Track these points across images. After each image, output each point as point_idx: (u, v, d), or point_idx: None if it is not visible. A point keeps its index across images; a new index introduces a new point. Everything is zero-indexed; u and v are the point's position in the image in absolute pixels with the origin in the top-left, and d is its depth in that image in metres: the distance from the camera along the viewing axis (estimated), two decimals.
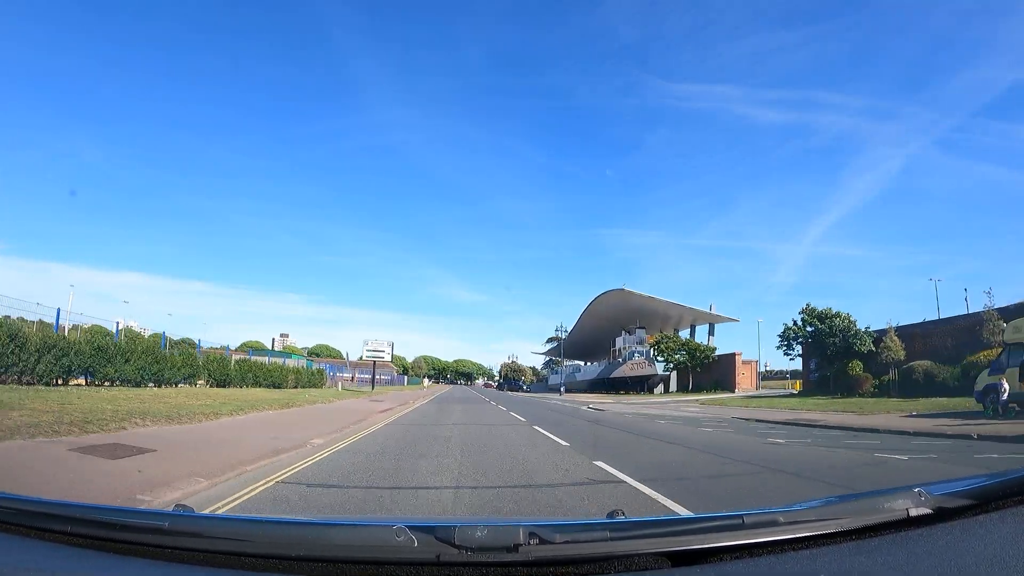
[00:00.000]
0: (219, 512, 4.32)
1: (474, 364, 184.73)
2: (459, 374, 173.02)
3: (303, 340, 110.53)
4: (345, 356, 68.43)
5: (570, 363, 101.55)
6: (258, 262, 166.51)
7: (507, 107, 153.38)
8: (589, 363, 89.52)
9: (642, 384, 62.18)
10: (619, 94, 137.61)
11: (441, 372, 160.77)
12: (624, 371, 63.24)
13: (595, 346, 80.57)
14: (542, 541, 1.12)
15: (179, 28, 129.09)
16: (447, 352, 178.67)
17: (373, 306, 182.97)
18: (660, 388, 62.31)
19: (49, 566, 1.20)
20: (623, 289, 60.56)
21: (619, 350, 67.13)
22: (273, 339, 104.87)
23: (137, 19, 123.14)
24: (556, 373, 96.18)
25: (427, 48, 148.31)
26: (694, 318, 64.67)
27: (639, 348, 63.03)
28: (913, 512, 1.24)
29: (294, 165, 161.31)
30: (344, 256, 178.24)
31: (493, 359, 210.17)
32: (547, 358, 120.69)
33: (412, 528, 1.15)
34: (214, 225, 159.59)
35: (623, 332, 66.05)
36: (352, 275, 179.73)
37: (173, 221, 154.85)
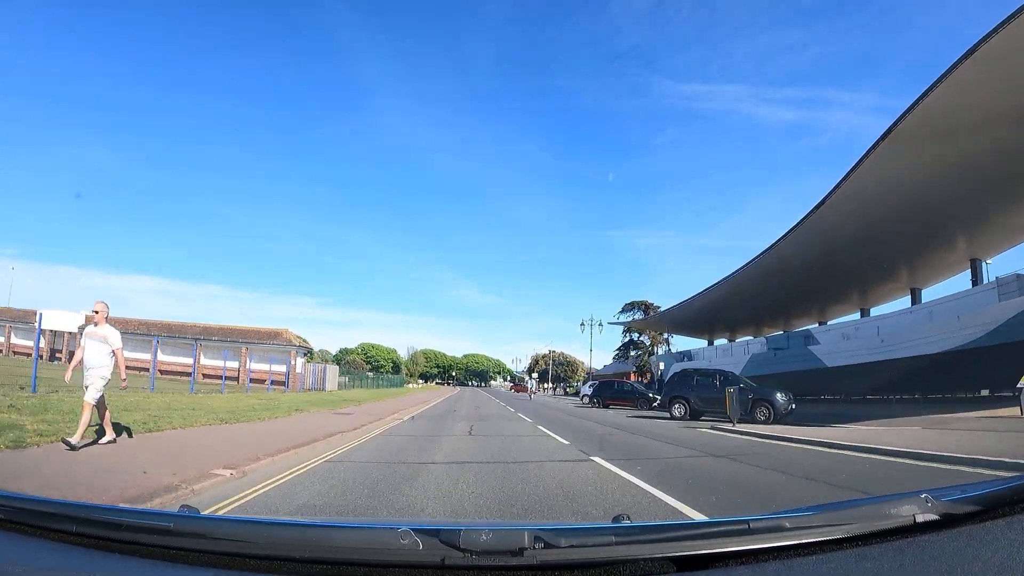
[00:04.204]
0: (224, 513, 4.06)
1: (490, 360, 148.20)
2: (470, 373, 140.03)
3: (315, 343, 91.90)
4: None
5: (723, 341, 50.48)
6: (271, 264, 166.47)
7: (515, 109, 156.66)
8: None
9: None
10: (627, 95, 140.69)
11: (446, 370, 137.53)
12: None
13: (833, 278, 28.72)
14: (547, 545, 1.09)
15: (187, 36, 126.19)
16: (459, 352, 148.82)
17: (384, 308, 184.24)
18: None
19: (53, 566, 1.18)
20: None
21: None
22: None
23: (146, 27, 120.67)
24: (690, 360, 44.35)
25: (434, 51, 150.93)
26: None
27: None
28: (920, 518, 1.21)
29: (304, 169, 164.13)
30: (356, 259, 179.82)
31: (510, 357, 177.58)
32: (627, 337, 69.16)
33: (417, 531, 1.11)
34: (227, 229, 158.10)
35: None
36: (363, 277, 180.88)
37: (185, 225, 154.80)
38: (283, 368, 31.47)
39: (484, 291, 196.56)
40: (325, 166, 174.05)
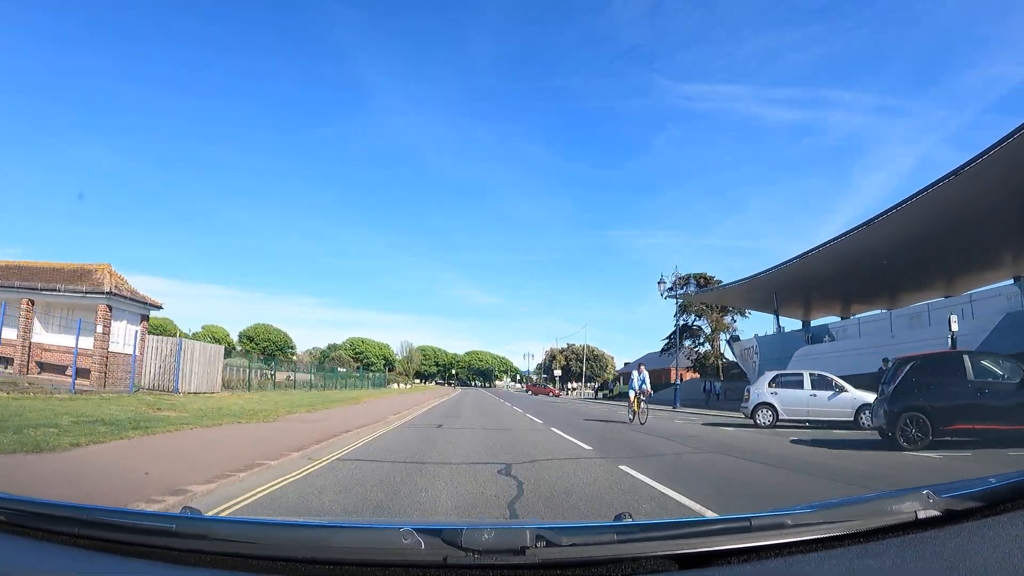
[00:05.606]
0: (227, 515, 4.09)
1: (495, 358, 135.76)
2: (473, 371, 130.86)
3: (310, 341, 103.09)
4: None
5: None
6: (272, 264, 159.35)
7: (516, 109, 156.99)
8: None
9: None
10: (628, 95, 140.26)
11: (447, 369, 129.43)
12: None
13: None
14: (549, 543, 1.09)
15: (190, 39, 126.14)
16: (460, 350, 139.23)
17: (386, 308, 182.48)
18: None
19: (55, 568, 1.18)
20: None
21: None
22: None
23: (148, 27, 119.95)
24: (832, 340, 27.96)
25: (434, 52, 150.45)
26: None
27: None
28: (921, 514, 1.20)
29: (306, 169, 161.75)
30: (357, 259, 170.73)
31: (517, 355, 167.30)
32: (679, 320, 52.33)
33: (419, 530, 1.11)
34: (227, 228, 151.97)
35: None
36: (365, 277, 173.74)
37: (186, 225, 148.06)
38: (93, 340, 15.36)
39: (486, 291, 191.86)
40: (326, 166, 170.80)
